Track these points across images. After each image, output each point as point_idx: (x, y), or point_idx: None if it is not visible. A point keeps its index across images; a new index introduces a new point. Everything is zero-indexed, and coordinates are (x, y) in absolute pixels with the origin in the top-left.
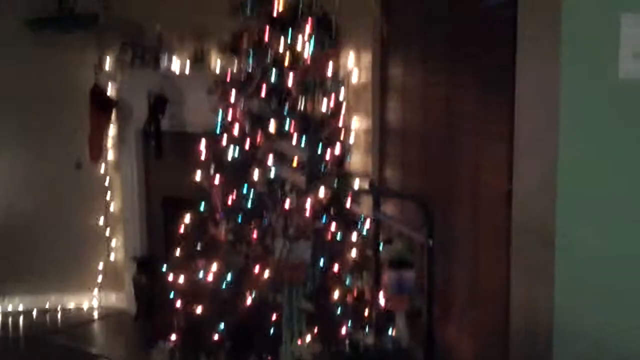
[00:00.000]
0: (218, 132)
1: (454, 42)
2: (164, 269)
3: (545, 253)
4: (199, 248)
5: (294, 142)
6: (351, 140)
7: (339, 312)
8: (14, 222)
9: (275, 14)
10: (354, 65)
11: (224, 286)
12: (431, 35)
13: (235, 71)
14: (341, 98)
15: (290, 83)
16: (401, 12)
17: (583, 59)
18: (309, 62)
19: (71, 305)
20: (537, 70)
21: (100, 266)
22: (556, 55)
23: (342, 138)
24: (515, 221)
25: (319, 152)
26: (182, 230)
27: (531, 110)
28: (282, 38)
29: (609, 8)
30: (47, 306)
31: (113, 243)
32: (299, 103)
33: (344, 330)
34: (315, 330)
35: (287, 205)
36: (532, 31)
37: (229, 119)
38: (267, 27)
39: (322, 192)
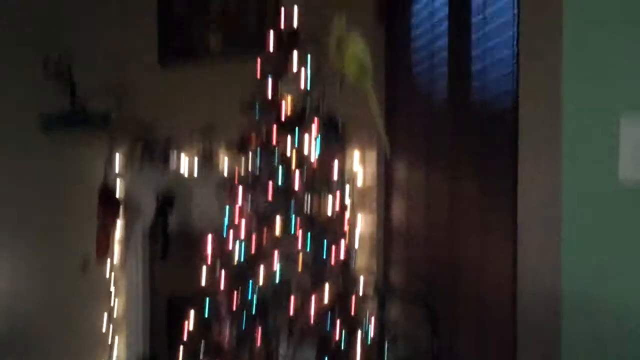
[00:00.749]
0: (225, 231)
1: (456, 148)
2: None
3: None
4: (202, 350)
5: (299, 242)
6: (356, 240)
7: None
8: (15, 322)
9: (283, 116)
10: (360, 165)
11: None
12: (434, 141)
13: (242, 170)
14: (347, 198)
15: (296, 183)
16: (405, 117)
17: (583, 160)
18: (315, 162)
19: None
20: (538, 176)
21: None
22: (557, 157)
23: (347, 238)
24: (520, 325)
25: (324, 252)
26: (185, 331)
27: (534, 210)
28: (290, 138)
29: (608, 109)
30: None
31: (115, 344)
32: (305, 203)
33: None
34: None
35: (291, 307)
36: (532, 137)
37: (236, 217)
38: (275, 128)
39: (327, 292)
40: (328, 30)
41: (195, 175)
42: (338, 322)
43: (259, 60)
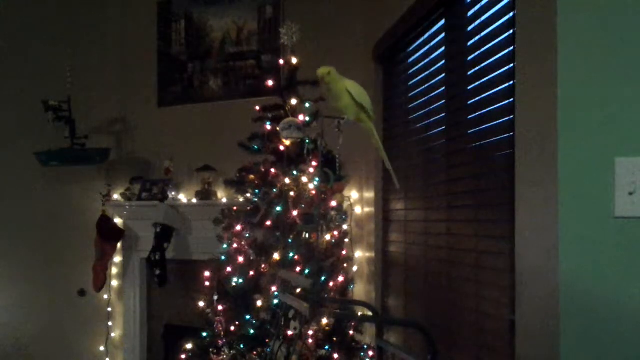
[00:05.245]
0: (223, 260)
1: (453, 180)
2: None
3: None
4: None
5: (297, 271)
6: (354, 270)
7: None
8: (16, 348)
9: (282, 150)
10: (358, 198)
11: None
12: (431, 173)
13: (241, 201)
14: (345, 229)
15: (295, 215)
16: (402, 151)
17: (580, 197)
18: (313, 195)
19: None
20: (535, 207)
21: None
22: (554, 193)
23: (345, 267)
24: (519, 353)
25: (323, 280)
26: (183, 356)
27: (531, 242)
28: (288, 172)
29: (603, 153)
30: None
31: None
32: (303, 234)
33: None
34: None
35: (290, 333)
36: (530, 173)
37: (234, 247)
38: (274, 162)
39: (325, 320)
40: (323, 81)
41: (194, 203)
42: (336, 347)
43: (257, 107)
